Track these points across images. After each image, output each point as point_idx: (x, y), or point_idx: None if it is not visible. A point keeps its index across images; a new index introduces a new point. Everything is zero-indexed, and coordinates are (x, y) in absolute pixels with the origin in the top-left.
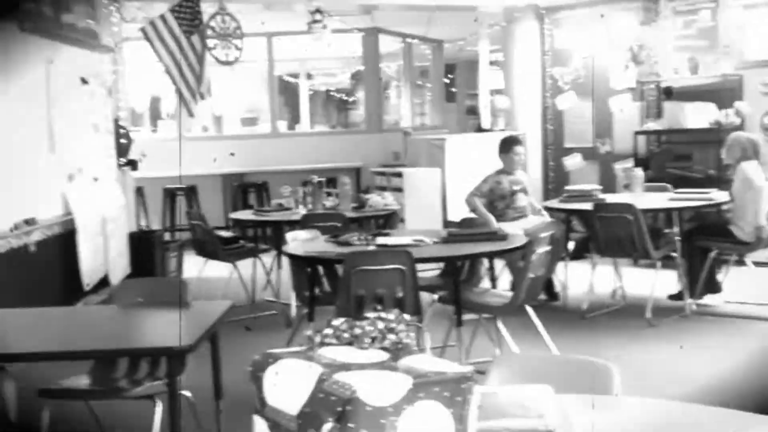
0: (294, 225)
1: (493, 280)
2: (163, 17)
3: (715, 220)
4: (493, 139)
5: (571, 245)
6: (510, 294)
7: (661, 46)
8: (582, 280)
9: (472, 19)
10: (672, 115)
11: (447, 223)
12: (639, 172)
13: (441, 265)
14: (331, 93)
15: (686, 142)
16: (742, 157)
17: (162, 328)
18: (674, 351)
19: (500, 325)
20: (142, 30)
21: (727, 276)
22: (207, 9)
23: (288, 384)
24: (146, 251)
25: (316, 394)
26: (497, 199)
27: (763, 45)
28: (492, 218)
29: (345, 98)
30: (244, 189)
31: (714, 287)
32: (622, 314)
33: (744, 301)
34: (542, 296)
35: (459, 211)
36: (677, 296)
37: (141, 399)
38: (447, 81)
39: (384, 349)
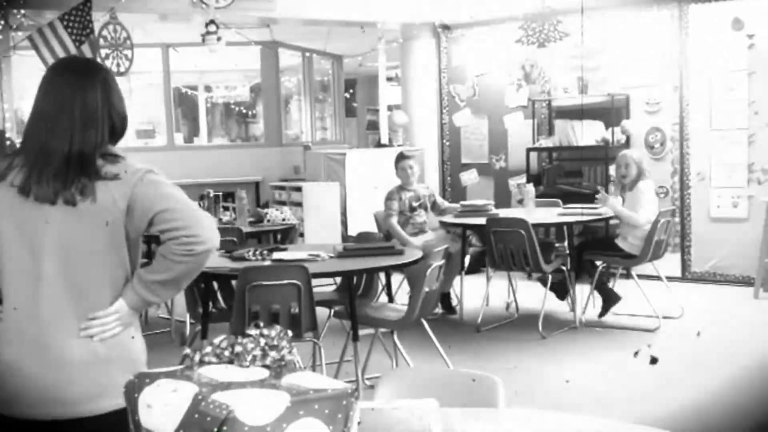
0: None
1: (390, 294)
2: (51, 25)
3: (603, 234)
4: (392, 154)
5: (467, 259)
6: (406, 308)
7: (552, 65)
8: (478, 293)
9: (371, 35)
10: (562, 132)
11: (346, 238)
12: (531, 188)
13: (337, 279)
14: (231, 106)
15: (576, 159)
16: (639, 176)
17: None
18: (565, 363)
19: (396, 339)
20: (29, 38)
21: (614, 288)
22: (100, 18)
23: (162, 405)
24: None
25: (191, 414)
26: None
27: (648, 65)
28: (410, 240)
29: (245, 111)
30: None
31: (611, 298)
32: (516, 327)
33: (630, 313)
34: (439, 310)
35: (358, 226)
36: (604, 310)
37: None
38: (347, 96)
39: (266, 366)
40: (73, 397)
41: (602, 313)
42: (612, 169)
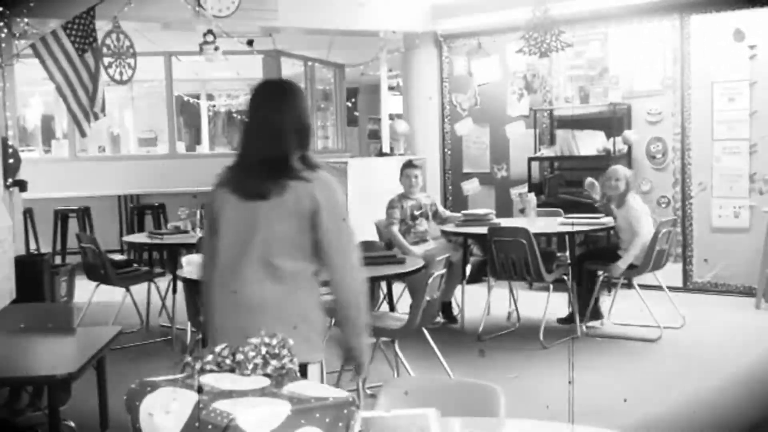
0: (190, 248)
1: (391, 303)
2: (54, 33)
3: (605, 244)
4: (394, 163)
5: (468, 268)
6: (407, 317)
7: (554, 75)
8: (479, 303)
9: (373, 44)
10: (564, 142)
11: None
12: (533, 197)
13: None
14: (233, 114)
15: (577, 169)
16: (627, 190)
17: (45, 356)
18: (565, 373)
19: (397, 348)
20: (32, 47)
21: (615, 299)
22: (103, 27)
23: (164, 413)
24: (34, 276)
25: (192, 422)
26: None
27: (649, 75)
28: (412, 248)
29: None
30: (140, 211)
31: (597, 314)
32: (517, 336)
33: (631, 323)
34: (441, 319)
35: (360, 235)
36: (566, 320)
37: (24, 430)
38: (349, 105)
39: (267, 375)
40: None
41: (583, 319)
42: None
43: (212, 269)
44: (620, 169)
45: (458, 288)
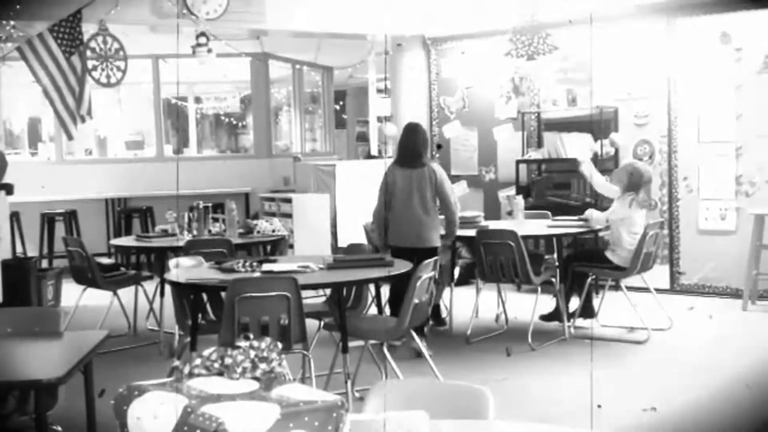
0: (178, 251)
1: (380, 306)
2: (41, 36)
3: (593, 246)
4: (382, 165)
5: (457, 271)
6: (396, 320)
7: (542, 78)
8: (468, 305)
9: (361, 47)
10: (551, 145)
11: (336, 249)
12: (520, 200)
13: (327, 291)
14: (221, 117)
15: (564, 171)
16: (633, 188)
17: (32, 360)
18: (554, 374)
19: (386, 351)
20: (19, 49)
21: (603, 300)
22: (90, 29)
23: (152, 418)
24: (21, 279)
25: (181, 427)
26: None
27: (636, 78)
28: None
29: (234, 123)
30: (127, 214)
31: (589, 312)
32: (506, 338)
33: (619, 325)
34: (429, 321)
35: (348, 237)
36: (549, 317)
37: None
38: (337, 107)
39: (255, 378)
40: (423, 238)
41: (573, 319)
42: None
43: (387, 207)
44: (634, 165)
45: (446, 291)
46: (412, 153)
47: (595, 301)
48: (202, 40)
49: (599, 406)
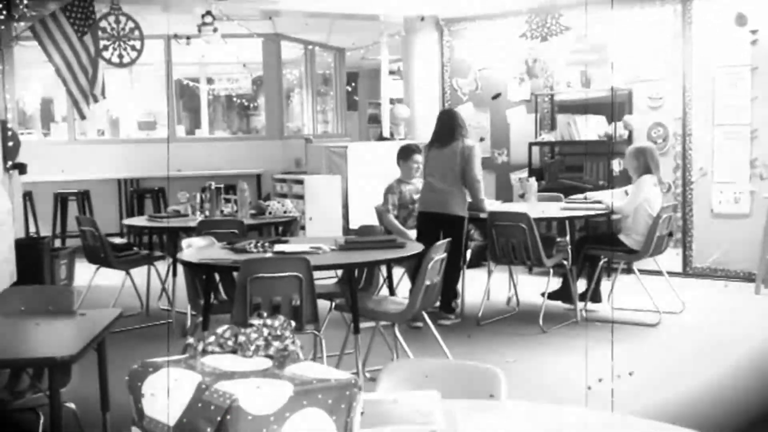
0: (190, 232)
1: (391, 287)
2: (54, 15)
3: (605, 229)
4: (394, 147)
5: (468, 253)
6: (407, 301)
7: (555, 60)
8: (479, 287)
9: (374, 28)
10: (564, 127)
11: (347, 231)
12: (533, 182)
13: (339, 272)
14: (233, 98)
15: (578, 154)
16: (643, 168)
17: (45, 338)
18: (565, 356)
19: (397, 332)
20: (32, 29)
21: (615, 283)
22: (102, 9)
23: (166, 394)
24: (34, 258)
25: (195, 403)
26: (398, 208)
27: (650, 60)
28: (407, 232)
29: (246, 104)
30: (140, 195)
31: (597, 296)
32: (516, 321)
33: (630, 308)
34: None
35: (360, 219)
36: (555, 295)
37: (24, 411)
38: (349, 89)
39: (269, 356)
40: (446, 205)
41: (585, 302)
42: (614, 164)
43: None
44: (640, 148)
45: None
46: (448, 132)
47: (606, 285)
48: (208, 19)
49: (589, 388)
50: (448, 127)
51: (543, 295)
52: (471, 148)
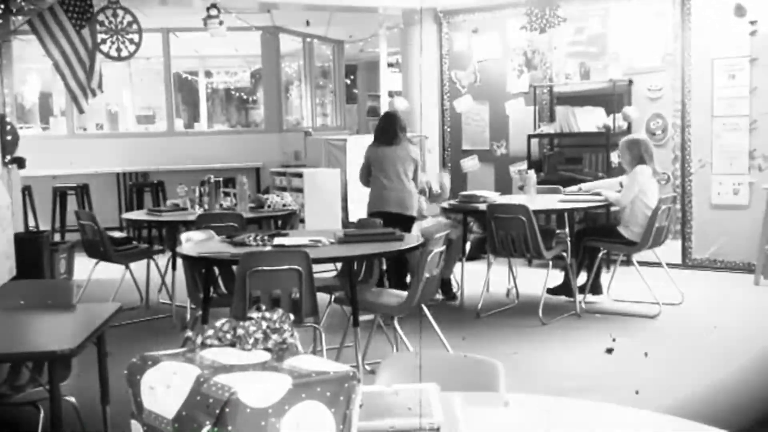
0: (189, 225)
1: (390, 280)
2: (52, 9)
3: (604, 221)
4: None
5: (468, 246)
6: (406, 294)
7: (554, 51)
8: (478, 280)
9: (372, 20)
10: (563, 119)
11: (347, 224)
12: (532, 175)
13: (338, 265)
14: (231, 91)
15: (577, 146)
16: (637, 159)
17: (45, 332)
18: (564, 349)
19: (397, 325)
20: (30, 23)
21: (615, 275)
22: (100, 3)
23: (165, 387)
24: (33, 253)
25: (193, 396)
26: None
27: (649, 52)
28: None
29: (245, 97)
30: (139, 188)
31: (597, 288)
32: (516, 313)
33: (630, 300)
34: (440, 296)
35: (359, 212)
36: (557, 290)
37: (24, 406)
38: (348, 82)
39: (267, 349)
40: (404, 205)
41: (584, 293)
42: (613, 156)
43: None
44: (631, 139)
45: (457, 265)
46: (393, 133)
47: (606, 277)
48: (213, 12)
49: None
50: (395, 128)
51: (546, 290)
52: (417, 152)
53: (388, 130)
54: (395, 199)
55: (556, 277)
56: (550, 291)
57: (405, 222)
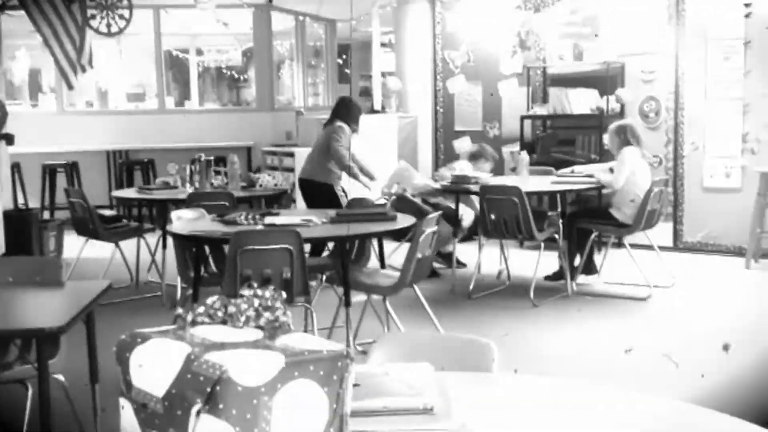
0: (180, 204)
1: (382, 260)
2: None
3: (596, 203)
4: (385, 120)
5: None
6: (398, 274)
7: (548, 32)
8: (470, 261)
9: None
10: (556, 100)
11: None
12: (525, 156)
13: (330, 245)
14: (223, 70)
15: (570, 127)
16: (624, 143)
17: (33, 309)
18: (556, 330)
19: (388, 305)
20: None
21: (606, 257)
22: None
23: (154, 365)
24: (22, 230)
25: (184, 374)
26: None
27: (643, 34)
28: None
29: (236, 76)
30: (129, 166)
31: (591, 268)
32: (507, 294)
33: (621, 282)
34: (440, 264)
35: (351, 192)
36: (554, 277)
37: (12, 383)
38: (340, 61)
39: (259, 327)
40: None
41: (574, 277)
42: (605, 138)
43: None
44: (617, 124)
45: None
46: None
47: (597, 258)
48: None
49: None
50: (336, 110)
51: (544, 278)
52: (340, 127)
53: (333, 111)
54: (306, 168)
55: (549, 261)
56: (549, 278)
57: (317, 188)
